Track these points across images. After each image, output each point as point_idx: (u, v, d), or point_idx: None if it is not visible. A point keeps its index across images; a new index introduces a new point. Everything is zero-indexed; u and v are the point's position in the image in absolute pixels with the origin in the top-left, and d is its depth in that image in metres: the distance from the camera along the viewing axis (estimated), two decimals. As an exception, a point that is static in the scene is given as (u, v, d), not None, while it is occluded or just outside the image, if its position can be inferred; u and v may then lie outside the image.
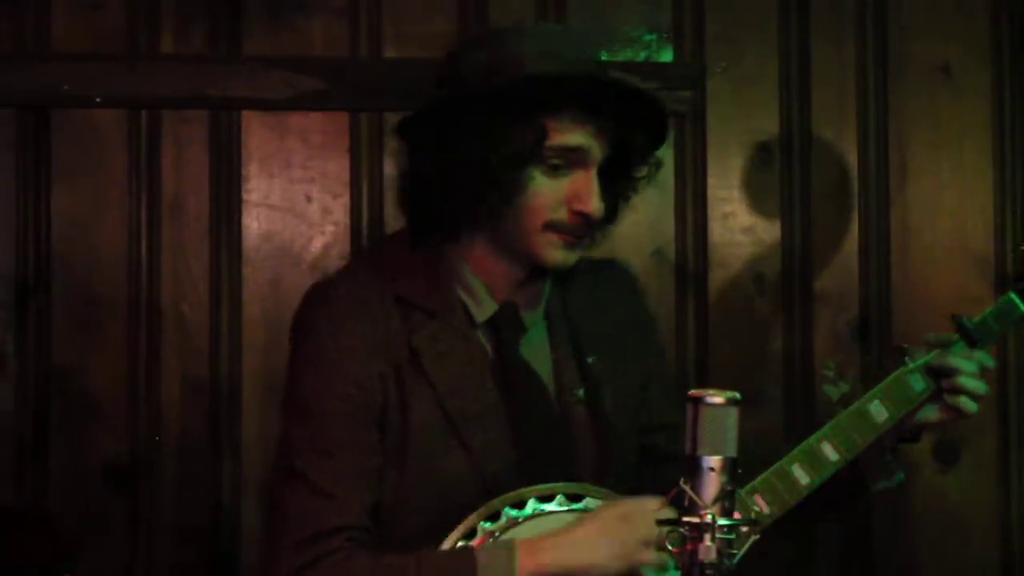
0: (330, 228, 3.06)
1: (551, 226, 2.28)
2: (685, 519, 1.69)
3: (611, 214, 2.37)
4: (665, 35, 3.13)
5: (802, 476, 2.36)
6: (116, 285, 3.01)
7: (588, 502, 2.27)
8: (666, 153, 2.76)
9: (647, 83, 2.94)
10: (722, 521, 1.68)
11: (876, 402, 2.39)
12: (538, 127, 2.23)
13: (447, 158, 2.26)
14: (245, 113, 3.05)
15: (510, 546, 2.19)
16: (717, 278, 3.12)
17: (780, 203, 3.14)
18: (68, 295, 3.00)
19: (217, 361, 3.02)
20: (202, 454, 3.01)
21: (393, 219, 3.04)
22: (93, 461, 3.00)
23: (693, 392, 1.69)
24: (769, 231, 3.14)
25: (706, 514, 1.67)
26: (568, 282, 2.45)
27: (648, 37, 3.12)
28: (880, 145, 3.15)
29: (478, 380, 2.32)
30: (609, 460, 2.38)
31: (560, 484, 2.27)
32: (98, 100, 2.99)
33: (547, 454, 2.34)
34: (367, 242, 3.05)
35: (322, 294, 2.34)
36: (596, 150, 2.27)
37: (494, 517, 2.23)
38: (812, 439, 2.38)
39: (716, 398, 1.68)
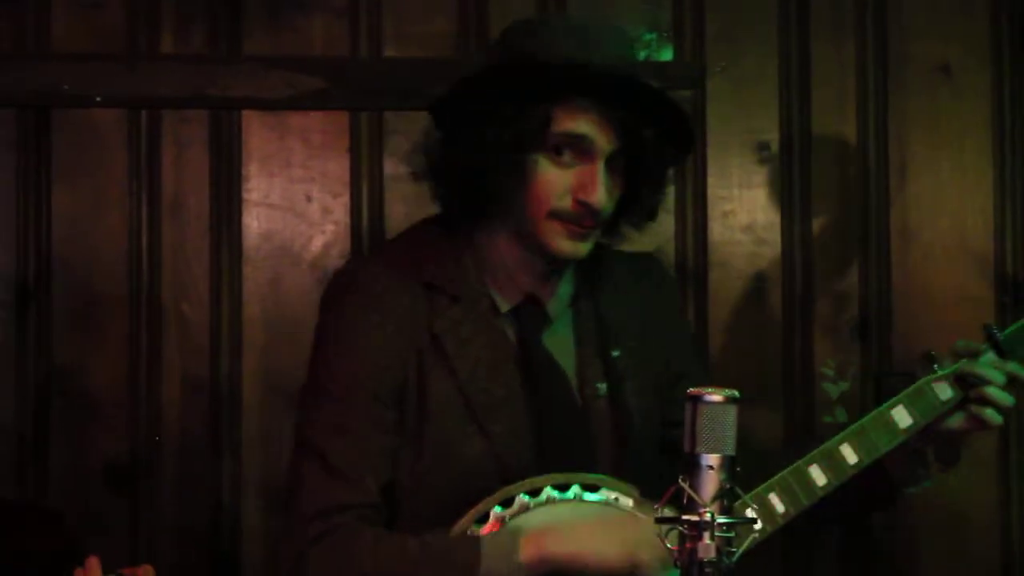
0: (330, 227, 3.06)
1: (555, 214, 2.30)
2: (684, 517, 1.69)
3: (636, 210, 2.39)
4: (665, 34, 3.13)
5: (819, 477, 2.36)
6: (116, 285, 3.01)
7: (604, 493, 2.29)
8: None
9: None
10: (721, 519, 1.68)
11: (900, 408, 2.38)
12: (544, 113, 2.26)
13: (465, 141, 2.30)
14: (245, 113, 3.05)
15: (515, 534, 2.21)
16: (717, 277, 3.12)
17: (780, 202, 3.14)
18: (68, 295, 3.00)
19: (217, 360, 3.03)
20: (202, 454, 3.02)
21: (393, 218, 3.05)
22: (93, 461, 3.00)
23: (692, 390, 1.69)
24: (769, 230, 3.14)
25: (705, 512, 1.67)
26: (599, 275, 2.47)
27: (648, 36, 3.12)
28: (880, 144, 3.16)
29: (500, 368, 2.36)
30: (628, 455, 2.39)
31: (577, 474, 2.29)
32: (98, 100, 2.99)
33: (566, 446, 2.36)
34: (370, 235, 3.06)
35: (350, 276, 2.39)
36: (602, 141, 2.28)
37: (508, 503, 2.26)
38: (833, 441, 2.37)
39: (715, 396, 1.68)
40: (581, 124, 2.27)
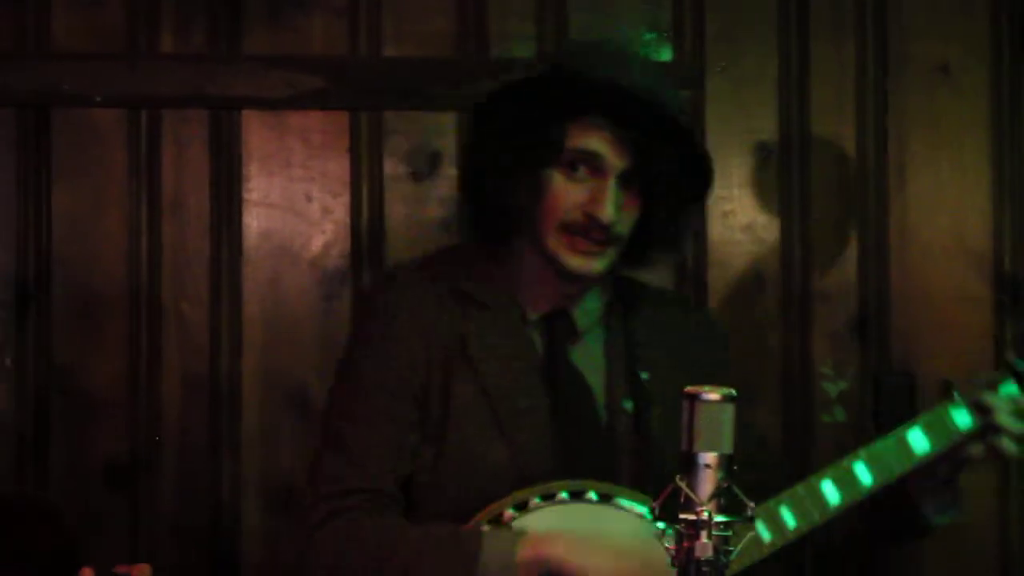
0: (330, 227, 3.06)
1: (565, 227, 2.35)
2: (681, 516, 1.69)
3: (656, 236, 2.42)
4: (664, 34, 3.13)
5: (832, 494, 2.36)
6: (116, 284, 3.02)
7: (617, 502, 2.32)
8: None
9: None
10: (718, 518, 1.68)
11: (918, 432, 2.39)
12: (559, 129, 2.33)
13: (487, 154, 2.38)
14: (245, 112, 3.05)
15: (517, 533, 2.24)
16: (716, 277, 3.12)
17: (779, 202, 3.14)
18: (68, 294, 3.01)
19: (217, 360, 3.03)
20: (202, 453, 3.02)
21: (393, 218, 3.06)
22: (93, 460, 3.01)
23: (689, 389, 1.70)
24: (768, 230, 3.14)
25: (702, 511, 1.68)
26: (633, 296, 2.52)
27: (648, 36, 3.13)
28: (879, 144, 3.16)
29: (525, 377, 2.40)
30: (649, 476, 2.40)
31: (592, 482, 2.33)
32: (98, 99, 3.00)
33: (587, 460, 2.40)
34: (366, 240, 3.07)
35: (389, 280, 2.49)
36: (613, 158, 2.33)
37: (522, 506, 2.30)
38: (848, 459, 2.38)
39: (712, 395, 1.69)
40: (593, 141, 2.33)
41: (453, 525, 2.29)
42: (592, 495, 2.31)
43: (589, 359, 2.47)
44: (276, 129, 3.06)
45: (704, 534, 1.68)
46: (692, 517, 1.67)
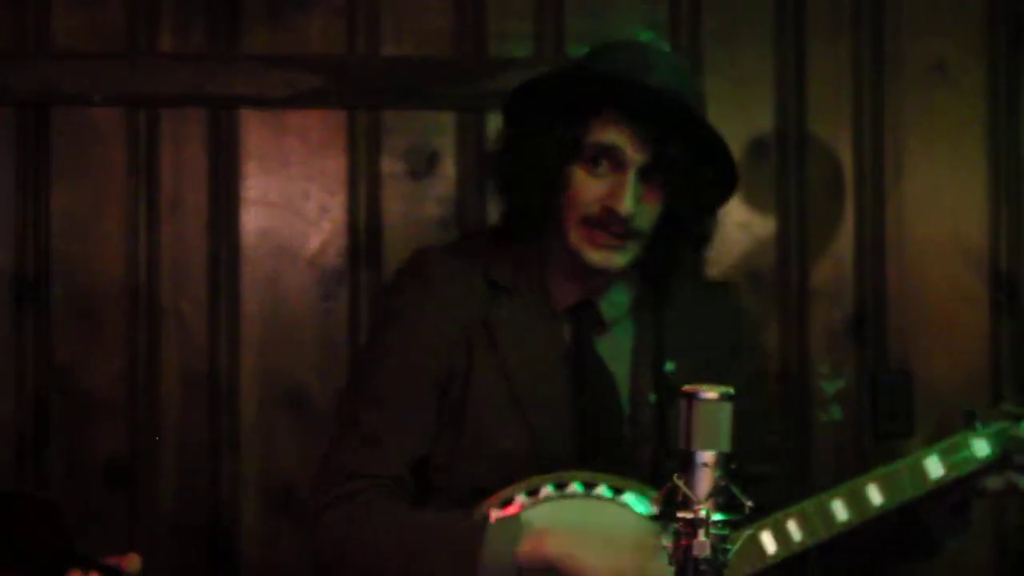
0: (328, 226, 3.07)
1: (585, 220, 2.37)
2: (679, 515, 1.70)
3: (680, 232, 2.43)
4: (662, 32, 3.13)
5: (841, 512, 2.36)
6: (115, 283, 3.02)
7: (627, 496, 2.33)
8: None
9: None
10: (716, 516, 1.68)
11: (935, 457, 2.38)
12: (581, 124, 2.35)
13: (516, 147, 2.41)
14: (244, 111, 3.05)
15: (521, 526, 2.26)
16: (713, 275, 3.12)
17: (775, 199, 3.15)
18: (67, 292, 3.01)
19: (216, 358, 3.03)
20: (201, 451, 3.02)
21: (390, 216, 3.06)
22: (93, 458, 3.01)
23: (687, 388, 1.70)
24: (764, 227, 3.15)
25: (700, 509, 1.68)
26: (664, 289, 2.52)
27: (646, 35, 3.13)
28: (875, 142, 3.16)
29: (550, 364, 2.43)
30: (666, 469, 2.39)
31: (605, 475, 2.35)
32: (97, 98, 3.00)
33: (606, 450, 2.42)
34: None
35: (418, 262, 2.49)
36: (632, 152, 2.34)
37: (534, 492, 2.31)
38: (861, 479, 2.37)
39: (710, 394, 1.69)
40: (612, 135, 2.35)
41: (459, 513, 2.32)
42: (604, 489, 2.33)
43: (615, 350, 2.48)
44: (274, 128, 3.06)
45: (702, 532, 1.68)
46: (690, 516, 1.68)
